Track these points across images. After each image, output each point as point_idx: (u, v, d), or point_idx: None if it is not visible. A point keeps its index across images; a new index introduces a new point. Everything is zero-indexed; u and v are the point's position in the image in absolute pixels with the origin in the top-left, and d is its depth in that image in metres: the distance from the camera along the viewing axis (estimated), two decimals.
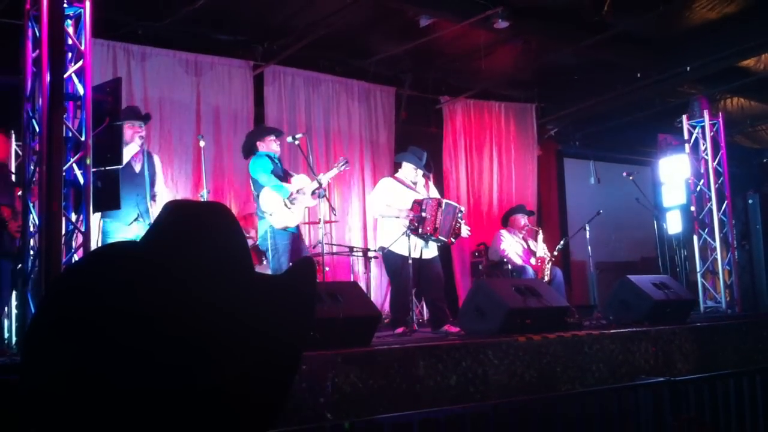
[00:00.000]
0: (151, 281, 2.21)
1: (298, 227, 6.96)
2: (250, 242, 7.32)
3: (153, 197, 6.45)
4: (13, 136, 7.52)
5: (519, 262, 8.89)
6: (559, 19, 9.12)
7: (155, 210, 6.25)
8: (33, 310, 4.47)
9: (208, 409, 2.23)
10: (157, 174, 6.61)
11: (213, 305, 2.26)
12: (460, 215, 7.21)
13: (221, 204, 2.53)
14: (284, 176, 6.94)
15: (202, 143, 6.86)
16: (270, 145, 7.05)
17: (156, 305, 2.18)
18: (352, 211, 10.27)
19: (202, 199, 6.45)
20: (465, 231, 7.27)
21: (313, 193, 6.87)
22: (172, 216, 2.32)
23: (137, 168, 6.37)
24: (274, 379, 2.41)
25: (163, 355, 2.18)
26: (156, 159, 6.68)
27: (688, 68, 10.48)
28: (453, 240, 7.30)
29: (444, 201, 7.20)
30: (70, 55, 4.97)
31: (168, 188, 7.68)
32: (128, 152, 6.22)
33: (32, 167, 4.77)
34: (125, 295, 2.17)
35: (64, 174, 4.65)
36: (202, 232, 2.30)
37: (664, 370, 5.59)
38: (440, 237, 7.03)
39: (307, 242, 8.87)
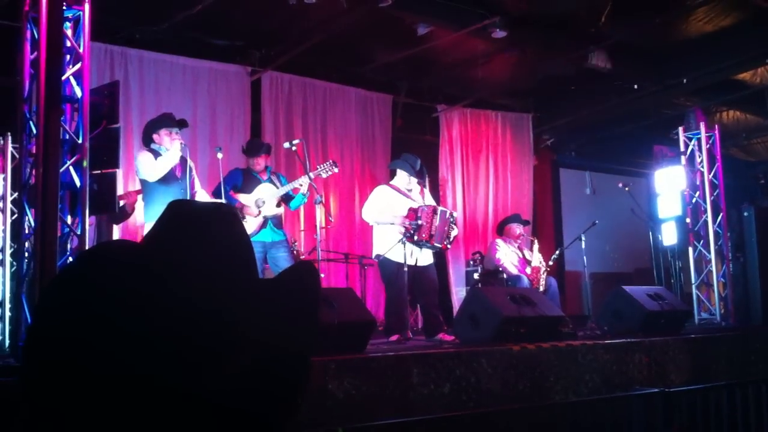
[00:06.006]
0: (147, 283, 2.19)
1: (281, 237, 7.04)
2: None
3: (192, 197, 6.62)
4: (10, 138, 7.52)
5: (514, 271, 8.88)
6: (556, 29, 9.15)
7: None
8: (27, 313, 4.46)
9: (202, 416, 2.21)
10: (194, 177, 6.72)
11: (209, 309, 2.24)
12: (452, 220, 7.23)
13: (226, 204, 2.51)
14: (246, 188, 7.00)
15: (219, 155, 6.85)
16: (252, 161, 7.19)
17: (150, 308, 2.17)
18: (348, 219, 10.27)
19: None
20: (453, 233, 7.28)
21: (287, 198, 7.08)
22: (174, 217, 2.31)
23: (179, 173, 6.50)
24: (277, 388, 2.37)
25: (157, 360, 2.16)
26: (190, 162, 6.74)
27: (684, 80, 10.52)
28: (448, 245, 7.31)
29: (439, 208, 7.21)
30: (68, 57, 4.97)
31: None
32: (171, 158, 6.38)
33: (28, 169, 4.77)
34: (120, 297, 2.16)
35: (60, 176, 4.64)
36: (204, 234, 2.28)
37: (658, 381, 5.58)
38: (435, 243, 7.03)
39: (302, 248, 8.88)
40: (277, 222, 7.04)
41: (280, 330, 2.40)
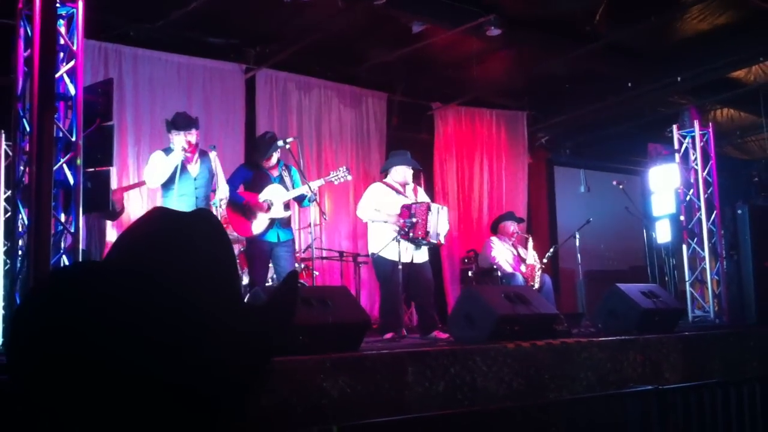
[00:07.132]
0: (125, 287, 2.22)
1: (288, 236, 6.93)
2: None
3: (214, 191, 6.57)
4: (3, 136, 7.50)
5: (509, 269, 8.89)
6: (551, 28, 9.16)
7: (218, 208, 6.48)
8: None
9: (167, 411, 2.24)
10: (217, 172, 6.52)
11: (184, 313, 2.26)
12: (445, 216, 7.24)
13: (207, 213, 2.53)
14: (256, 185, 6.88)
15: (213, 153, 6.77)
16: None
17: (129, 309, 2.19)
18: (342, 217, 10.26)
19: (215, 208, 6.46)
20: (446, 227, 7.27)
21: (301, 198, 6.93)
22: (153, 227, 2.33)
23: (194, 172, 6.48)
24: (229, 392, 2.42)
25: (133, 362, 2.19)
26: (212, 156, 6.58)
27: (679, 78, 10.53)
28: (442, 241, 7.30)
29: (433, 205, 7.20)
30: (61, 55, 4.96)
31: None
32: (170, 163, 6.35)
33: (22, 167, 4.75)
34: (102, 300, 2.18)
35: (54, 174, 4.63)
36: (183, 245, 2.30)
37: (652, 379, 5.58)
38: (431, 240, 7.03)
39: (297, 246, 8.86)
40: (285, 222, 6.89)
41: (248, 332, 2.43)
